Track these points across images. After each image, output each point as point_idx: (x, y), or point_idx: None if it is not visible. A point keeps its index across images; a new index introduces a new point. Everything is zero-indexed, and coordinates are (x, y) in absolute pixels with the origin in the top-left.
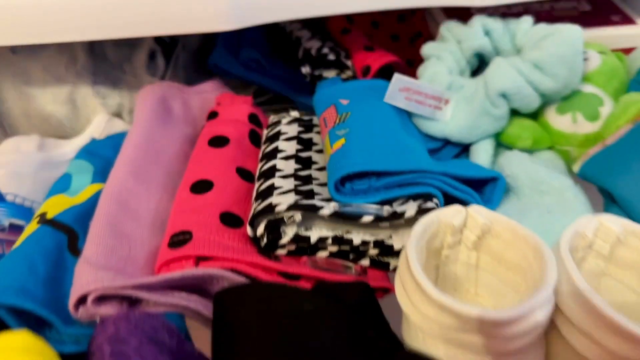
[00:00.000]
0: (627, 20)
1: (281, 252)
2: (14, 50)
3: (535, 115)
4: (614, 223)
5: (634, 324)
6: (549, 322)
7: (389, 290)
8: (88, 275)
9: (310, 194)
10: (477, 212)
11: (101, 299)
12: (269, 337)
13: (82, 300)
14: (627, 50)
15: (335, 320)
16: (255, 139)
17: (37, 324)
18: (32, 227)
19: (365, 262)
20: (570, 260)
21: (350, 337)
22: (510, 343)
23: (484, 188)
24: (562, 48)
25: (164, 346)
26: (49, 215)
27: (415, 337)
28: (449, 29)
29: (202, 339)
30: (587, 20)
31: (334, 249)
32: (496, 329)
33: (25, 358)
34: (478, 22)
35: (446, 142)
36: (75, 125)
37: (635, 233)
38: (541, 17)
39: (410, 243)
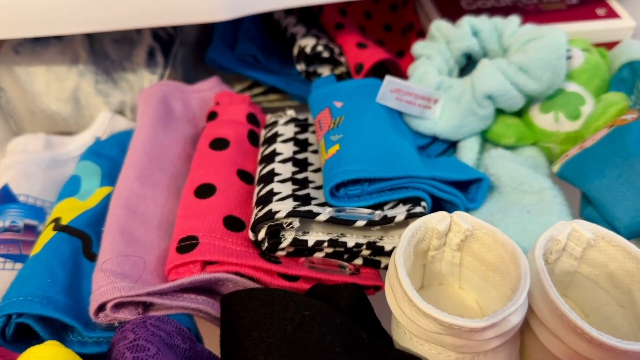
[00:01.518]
0: (611, 14)
1: (281, 253)
2: (17, 51)
3: (520, 112)
4: (585, 229)
5: (596, 331)
6: (524, 321)
7: (380, 288)
8: (106, 285)
9: (307, 199)
10: (461, 219)
11: (118, 305)
12: (271, 341)
13: (101, 307)
14: (611, 44)
15: (330, 323)
16: (253, 138)
17: (61, 327)
18: (48, 233)
19: (359, 261)
20: (544, 268)
21: (345, 338)
22: (486, 344)
23: (469, 187)
24: (546, 52)
25: (178, 350)
26: (64, 221)
27: (403, 335)
28: (439, 28)
29: (210, 333)
30: (573, 13)
31: (329, 250)
32: (473, 333)
33: None
34: (467, 23)
35: (434, 139)
36: (79, 122)
37: (605, 237)
38: (529, 10)
39: (399, 250)
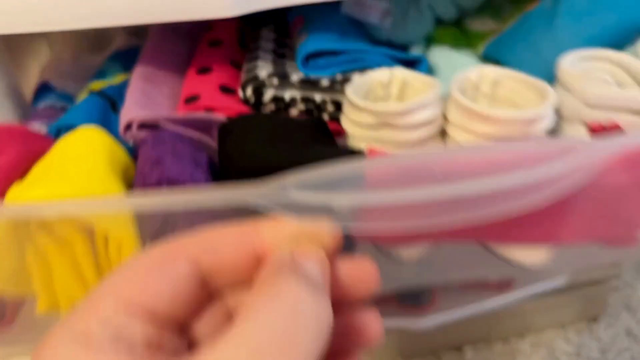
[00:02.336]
0: None
1: (264, 110)
2: None
3: (457, 24)
4: (491, 69)
5: (486, 107)
6: (440, 128)
7: (340, 134)
8: (133, 111)
9: (285, 69)
10: (398, 71)
11: (143, 126)
12: (257, 132)
13: (127, 128)
14: None
15: (302, 124)
16: (243, 44)
17: None
18: (83, 96)
19: (325, 116)
20: (454, 85)
21: (313, 132)
22: (411, 133)
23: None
24: None
25: (188, 142)
26: (95, 89)
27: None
28: None
29: None
30: None
31: (302, 107)
32: (396, 118)
33: (97, 141)
34: None
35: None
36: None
37: (508, 75)
38: None
39: (349, 87)
